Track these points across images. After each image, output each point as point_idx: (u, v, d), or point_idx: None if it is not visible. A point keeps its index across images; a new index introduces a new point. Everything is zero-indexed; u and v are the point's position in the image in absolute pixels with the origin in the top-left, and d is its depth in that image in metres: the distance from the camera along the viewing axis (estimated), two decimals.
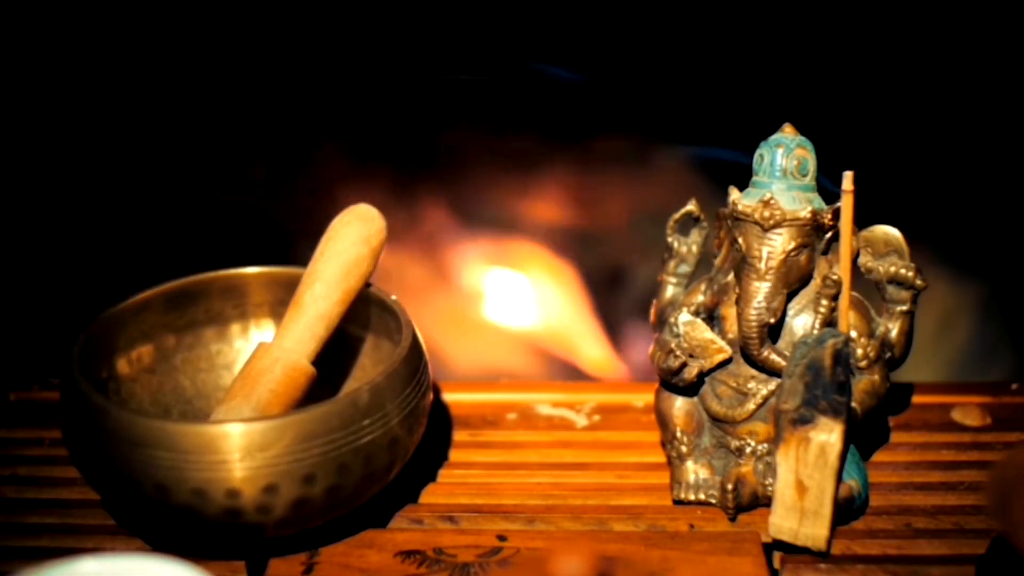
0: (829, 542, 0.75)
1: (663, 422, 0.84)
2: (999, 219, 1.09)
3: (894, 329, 0.81)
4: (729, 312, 0.82)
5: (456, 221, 1.13)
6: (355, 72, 1.09)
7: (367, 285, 0.85)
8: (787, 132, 0.81)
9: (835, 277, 0.79)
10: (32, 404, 0.95)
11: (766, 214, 0.78)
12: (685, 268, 0.89)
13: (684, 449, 0.82)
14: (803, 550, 0.76)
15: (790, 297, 0.80)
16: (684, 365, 0.80)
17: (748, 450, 0.81)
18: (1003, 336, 1.12)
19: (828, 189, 0.80)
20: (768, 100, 1.05)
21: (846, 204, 0.77)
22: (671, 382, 0.82)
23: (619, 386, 1.07)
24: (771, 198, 0.78)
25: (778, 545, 0.77)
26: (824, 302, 0.79)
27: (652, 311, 0.90)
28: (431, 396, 0.82)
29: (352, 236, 0.83)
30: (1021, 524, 0.67)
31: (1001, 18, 1.03)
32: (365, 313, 0.86)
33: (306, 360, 0.81)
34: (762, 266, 0.78)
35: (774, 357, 0.79)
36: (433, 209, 1.12)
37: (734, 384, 0.81)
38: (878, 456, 0.87)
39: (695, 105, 1.07)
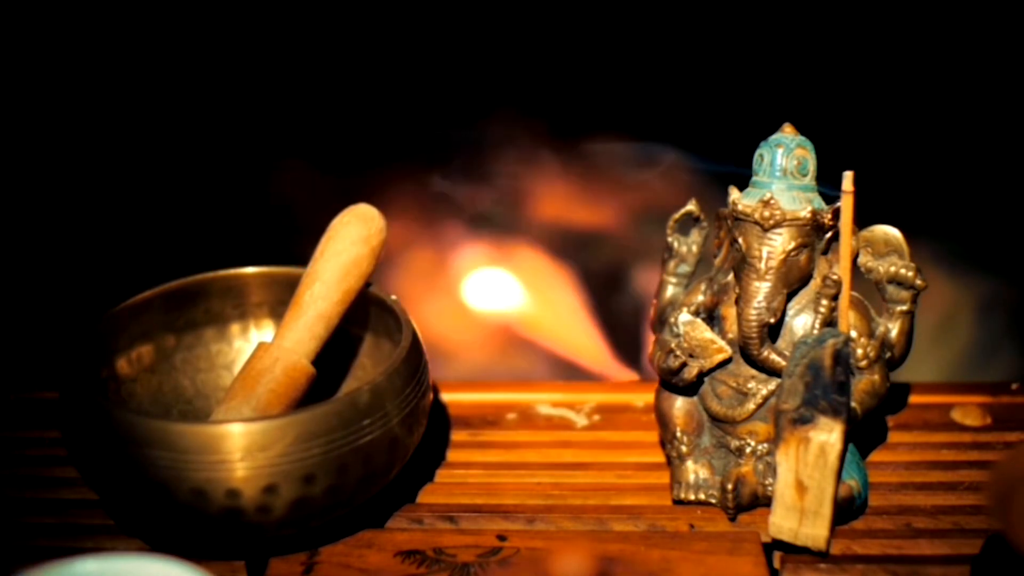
0: (829, 542, 0.75)
1: (663, 422, 0.84)
2: (999, 219, 1.09)
3: (894, 329, 0.81)
4: (729, 312, 0.82)
5: (456, 221, 1.13)
6: (356, 72, 1.09)
7: (367, 285, 0.85)
8: (787, 132, 0.81)
9: (835, 277, 0.79)
10: (32, 404, 0.95)
11: (766, 214, 0.78)
12: (685, 268, 0.89)
13: (684, 449, 0.82)
14: (803, 550, 0.76)
15: (790, 297, 0.80)
16: (684, 365, 0.80)
17: (748, 450, 0.81)
18: (1003, 336, 1.12)
19: (828, 191, 0.80)
20: (768, 100, 1.05)
21: (846, 204, 0.77)
22: (671, 382, 0.82)
23: (619, 386, 1.07)
24: (771, 198, 0.78)
25: (778, 545, 0.77)
26: (824, 302, 0.79)
27: (652, 311, 0.90)
28: (431, 396, 0.82)
29: (352, 236, 0.83)
30: (1021, 524, 0.67)
31: (1001, 18, 1.03)
32: (365, 313, 0.87)
33: (306, 360, 0.81)
34: (762, 266, 0.78)
35: (774, 357, 0.79)
36: (433, 209, 1.12)
37: (734, 384, 0.81)
38: (878, 456, 0.87)
39: (695, 105, 1.07)
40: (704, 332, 0.80)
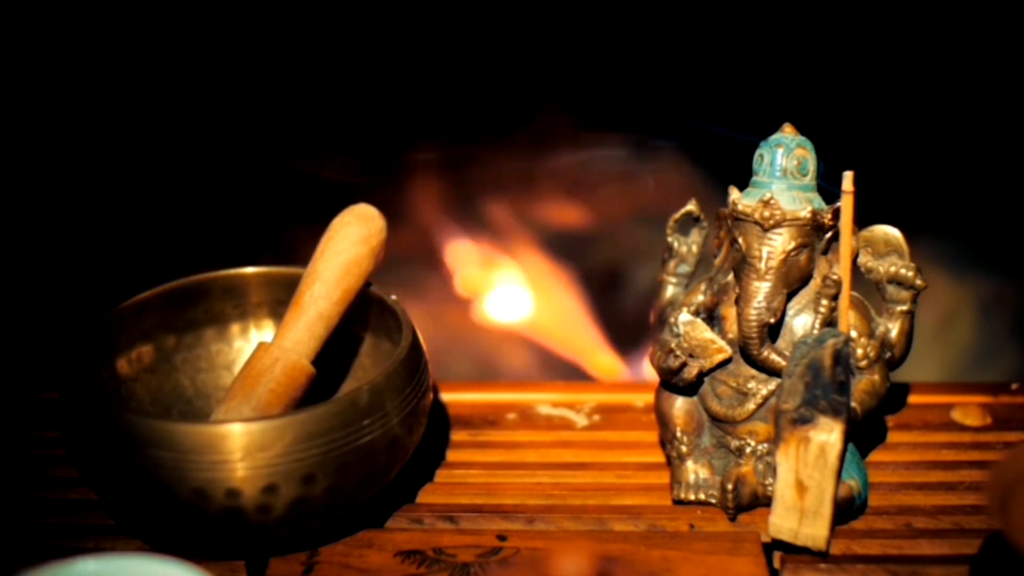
0: (829, 542, 0.75)
1: (663, 422, 0.84)
2: (999, 219, 1.09)
3: (894, 329, 0.81)
4: (729, 312, 0.82)
5: (456, 221, 1.13)
6: (356, 72, 1.09)
7: (367, 285, 0.85)
8: (787, 132, 0.81)
9: (835, 277, 0.79)
10: (32, 404, 0.95)
11: (766, 214, 0.78)
12: (685, 268, 0.89)
13: (684, 449, 0.82)
14: (803, 550, 0.76)
15: (790, 297, 0.80)
16: (684, 365, 0.80)
17: (748, 450, 0.81)
18: (1003, 336, 1.12)
19: (828, 189, 0.80)
20: (768, 100, 1.05)
21: (846, 204, 0.77)
22: (671, 382, 0.82)
23: (619, 386, 1.07)
24: (771, 198, 0.78)
25: (778, 545, 0.77)
26: (824, 302, 0.79)
27: (652, 311, 0.90)
28: (431, 396, 0.82)
29: (352, 236, 0.83)
30: (1021, 524, 0.67)
31: (1001, 18, 1.03)
32: (365, 313, 0.87)
33: (306, 360, 0.81)
34: (762, 266, 0.78)
35: (774, 357, 0.79)
36: (433, 209, 1.12)
37: (734, 384, 0.81)
38: (878, 456, 0.87)
39: (695, 105, 1.07)
40: (704, 332, 0.80)
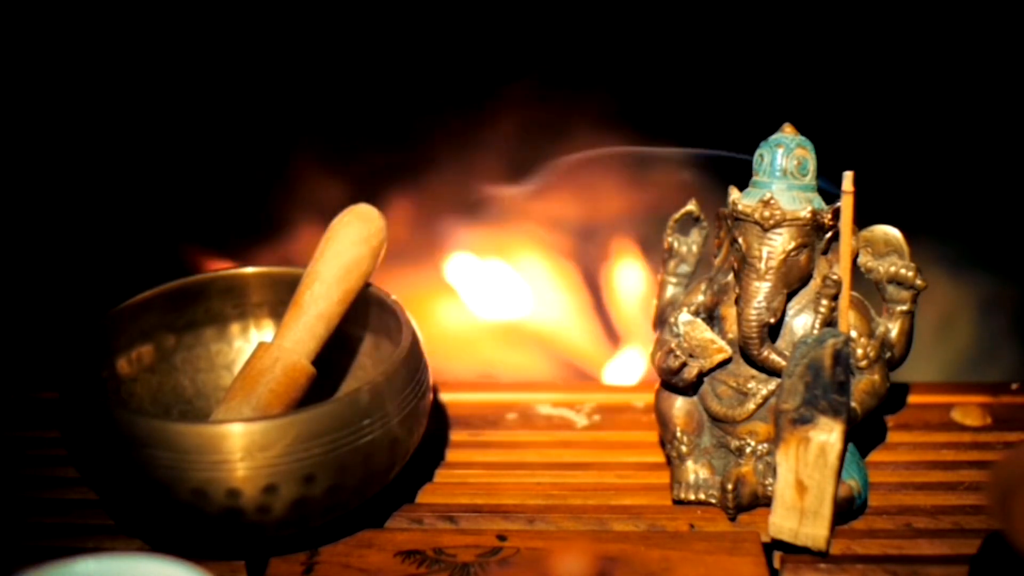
0: (829, 542, 0.75)
1: (663, 422, 0.84)
2: (999, 219, 1.09)
3: (894, 329, 0.81)
4: (729, 312, 0.82)
5: (457, 221, 1.13)
6: (354, 71, 1.09)
7: (367, 285, 0.85)
8: (787, 132, 0.81)
9: (835, 277, 0.79)
10: (32, 404, 0.95)
11: (766, 214, 0.78)
12: (685, 268, 0.89)
13: (684, 449, 0.82)
14: (803, 550, 0.76)
15: (790, 297, 0.80)
16: (684, 365, 0.80)
17: (748, 450, 0.81)
18: (1003, 336, 1.12)
19: (828, 189, 0.80)
20: (768, 100, 1.05)
21: (846, 204, 0.77)
22: (671, 382, 0.82)
23: (619, 386, 1.07)
24: (771, 198, 0.78)
25: (778, 545, 0.77)
26: (824, 302, 0.79)
27: (652, 311, 0.90)
28: (431, 396, 0.82)
29: (352, 236, 0.83)
30: (1021, 524, 0.67)
31: (1001, 18, 1.03)
32: (365, 313, 0.86)
33: (306, 360, 0.81)
34: (762, 266, 0.78)
35: (774, 357, 0.79)
36: (433, 208, 1.12)
37: (734, 384, 0.81)
38: (878, 456, 0.87)
39: (695, 105, 1.07)
40: (704, 332, 0.80)
